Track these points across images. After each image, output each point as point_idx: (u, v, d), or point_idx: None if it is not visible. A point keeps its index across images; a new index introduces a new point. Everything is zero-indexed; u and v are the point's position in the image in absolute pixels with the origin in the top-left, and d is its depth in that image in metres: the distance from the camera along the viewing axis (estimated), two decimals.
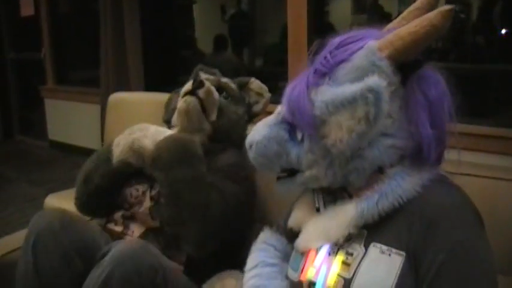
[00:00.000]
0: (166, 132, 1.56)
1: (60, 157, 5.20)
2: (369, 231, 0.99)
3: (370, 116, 0.91)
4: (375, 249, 0.96)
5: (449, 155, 1.04)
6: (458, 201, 0.95)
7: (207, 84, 1.60)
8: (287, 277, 1.15)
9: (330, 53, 1.01)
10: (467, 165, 1.27)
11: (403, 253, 0.92)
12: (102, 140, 3.81)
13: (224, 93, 1.69)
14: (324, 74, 1.00)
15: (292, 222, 1.18)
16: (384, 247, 0.95)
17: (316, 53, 1.06)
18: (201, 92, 1.58)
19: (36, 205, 3.67)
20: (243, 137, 1.57)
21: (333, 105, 0.94)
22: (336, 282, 0.97)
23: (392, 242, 0.95)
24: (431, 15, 0.90)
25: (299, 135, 1.05)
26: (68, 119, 5.22)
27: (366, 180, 1.01)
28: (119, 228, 1.55)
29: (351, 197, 1.05)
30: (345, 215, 1.00)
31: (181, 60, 4.87)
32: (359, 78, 0.94)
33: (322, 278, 1.01)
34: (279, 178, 1.12)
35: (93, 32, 4.32)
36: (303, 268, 1.07)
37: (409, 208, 0.95)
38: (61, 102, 5.25)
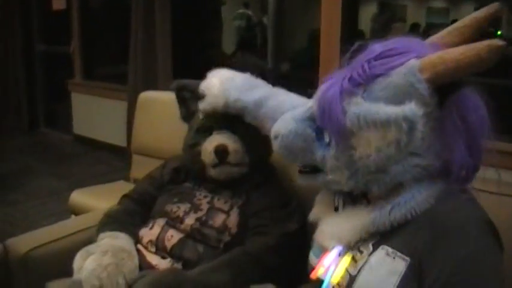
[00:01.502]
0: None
1: (84, 151, 5.23)
2: (381, 235, 1.00)
3: (401, 143, 0.91)
4: (381, 251, 0.97)
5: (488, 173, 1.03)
6: (468, 214, 0.94)
7: (230, 147, 1.51)
8: (309, 262, 1.17)
9: (369, 62, 0.99)
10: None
11: (408, 259, 0.93)
12: (128, 137, 3.83)
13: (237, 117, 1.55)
14: (359, 84, 0.98)
15: (311, 216, 1.19)
16: (390, 250, 0.96)
17: (354, 55, 1.05)
18: (229, 159, 1.52)
19: (58, 199, 3.71)
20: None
21: (365, 121, 0.93)
22: (343, 278, 1.01)
23: (399, 247, 0.95)
24: (480, 46, 0.86)
25: (326, 138, 1.05)
26: (93, 114, 5.25)
27: (385, 191, 1.01)
28: (156, 230, 1.53)
29: (369, 202, 1.05)
30: (358, 220, 1.02)
31: (209, 61, 4.88)
32: (395, 97, 0.93)
33: (329, 276, 1.04)
34: (301, 172, 1.13)
35: (123, 28, 4.35)
36: (316, 265, 1.10)
37: (420, 218, 0.95)
38: (87, 96, 5.29)
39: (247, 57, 4.95)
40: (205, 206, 1.54)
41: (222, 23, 5.55)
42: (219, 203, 1.55)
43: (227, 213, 1.51)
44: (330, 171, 1.04)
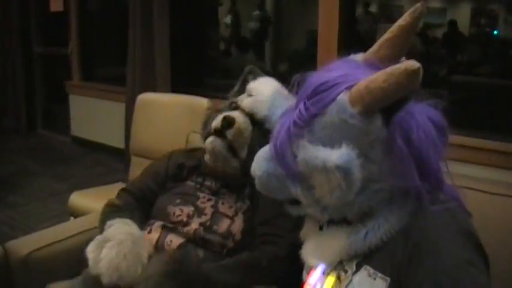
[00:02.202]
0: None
1: (82, 153, 5.23)
2: (363, 255, 1.01)
3: (343, 186, 0.91)
4: (364, 271, 0.99)
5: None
6: (442, 228, 0.93)
7: (237, 124, 1.49)
8: (302, 278, 1.18)
9: (304, 103, 0.98)
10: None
11: (388, 278, 0.94)
12: (127, 138, 3.83)
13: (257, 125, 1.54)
14: (302, 127, 0.98)
15: (301, 234, 1.19)
16: (371, 270, 0.97)
17: (299, 88, 1.05)
18: (229, 133, 1.49)
19: (58, 200, 3.71)
20: None
21: (310, 167, 0.94)
22: None
23: (379, 267, 0.96)
24: (397, 72, 0.84)
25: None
26: (91, 115, 5.25)
27: (359, 216, 1.01)
28: (154, 235, 1.52)
29: (349, 223, 1.05)
30: (338, 242, 1.03)
31: (208, 62, 4.88)
32: (333, 138, 0.93)
33: None
34: (288, 203, 1.13)
35: (121, 30, 4.35)
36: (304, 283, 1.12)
37: (396, 237, 0.96)
38: (86, 98, 5.28)
39: (244, 56, 4.96)
40: (209, 211, 1.52)
41: (219, 24, 5.56)
42: (223, 207, 1.53)
43: (232, 218, 1.51)
44: (305, 206, 1.05)
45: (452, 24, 5.40)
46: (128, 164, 2.70)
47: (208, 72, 4.76)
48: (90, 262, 1.33)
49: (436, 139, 0.95)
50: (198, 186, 1.61)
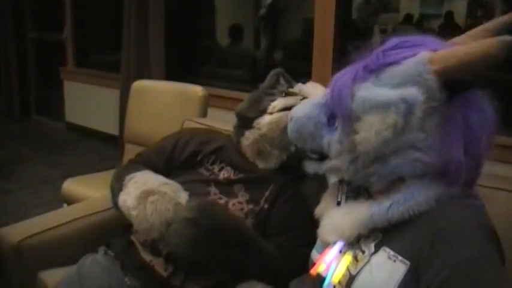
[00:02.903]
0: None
1: (76, 140, 5.22)
2: (384, 235, 0.99)
3: (398, 126, 0.91)
4: (383, 253, 0.97)
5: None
6: (468, 220, 0.93)
7: None
8: (310, 257, 1.17)
9: (383, 51, 1.00)
10: None
11: (408, 262, 0.92)
12: (121, 125, 3.83)
13: None
14: (372, 71, 0.99)
15: (317, 212, 1.18)
16: (392, 253, 0.96)
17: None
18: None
19: (51, 187, 3.70)
20: None
21: (369, 104, 0.94)
22: (344, 276, 1.00)
23: (400, 250, 0.95)
24: (490, 42, 0.86)
25: (337, 123, 1.05)
26: (86, 102, 5.23)
27: (385, 186, 1.01)
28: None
29: (370, 197, 1.05)
30: (358, 214, 1.01)
31: (202, 50, 4.86)
32: (402, 84, 0.93)
33: (331, 273, 1.03)
34: (309, 159, 1.14)
35: (116, 16, 4.32)
36: (317, 260, 1.09)
37: (421, 220, 0.95)
38: (80, 84, 5.26)
39: (238, 44, 4.93)
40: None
41: (214, 12, 5.52)
42: (233, 208, 1.43)
43: None
44: (334, 156, 1.05)
45: (449, 15, 5.38)
46: (121, 151, 2.70)
47: (203, 60, 4.74)
48: (138, 219, 1.29)
49: (491, 129, 0.96)
50: (212, 176, 1.51)
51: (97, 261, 1.41)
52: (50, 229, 1.62)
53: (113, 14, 4.65)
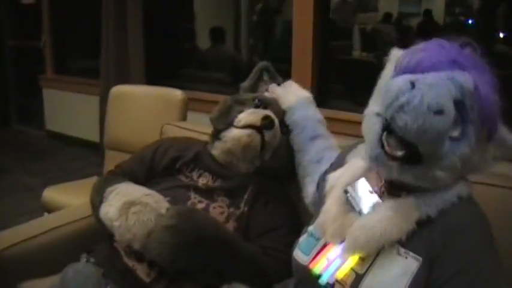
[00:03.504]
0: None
1: (57, 148, 5.16)
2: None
3: None
4: (391, 249, 0.96)
5: None
6: (479, 222, 0.97)
7: (276, 126, 1.46)
8: (293, 257, 1.14)
9: None
10: None
11: (420, 258, 0.94)
12: (101, 132, 3.79)
13: (285, 128, 1.53)
14: None
15: (331, 180, 1.16)
16: (402, 249, 0.96)
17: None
18: (267, 135, 1.45)
19: (33, 196, 3.63)
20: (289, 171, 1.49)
21: None
22: (347, 276, 0.99)
23: (411, 247, 0.95)
24: None
25: (456, 132, 0.93)
26: (66, 109, 5.18)
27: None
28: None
29: (408, 194, 1.01)
30: (409, 210, 0.97)
31: (183, 53, 4.84)
32: None
33: (332, 270, 1.01)
34: (395, 159, 0.95)
35: (94, 22, 4.28)
36: (316, 256, 1.07)
37: (436, 219, 0.96)
38: (60, 92, 5.21)
39: (219, 47, 4.91)
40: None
41: (194, 15, 5.51)
42: (214, 212, 1.44)
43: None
44: (445, 168, 0.95)
45: (427, 13, 5.41)
46: (103, 158, 2.67)
47: (183, 64, 4.72)
48: (120, 230, 1.29)
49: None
50: (192, 183, 1.51)
51: (79, 272, 1.37)
52: (29, 239, 1.59)
53: (91, 19, 4.62)
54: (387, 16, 5.23)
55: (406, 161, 0.94)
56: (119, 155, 2.23)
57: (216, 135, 1.56)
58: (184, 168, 1.56)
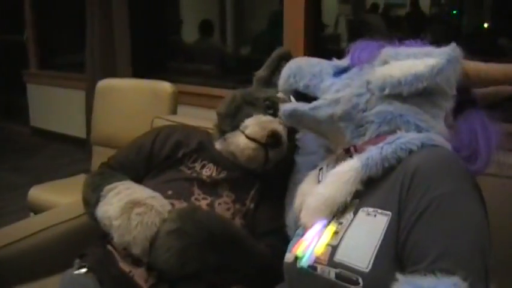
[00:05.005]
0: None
1: (42, 144, 5.09)
2: (361, 199, 0.98)
3: (435, 68, 0.98)
4: (361, 213, 0.95)
5: None
6: (445, 159, 0.94)
7: (283, 144, 1.37)
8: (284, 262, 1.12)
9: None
10: None
11: (389, 213, 0.91)
12: (88, 127, 3.73)
13: (292, 142, 1.43)
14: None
15: (296, 207, 1.16)
16: (371, 209, 0.94)
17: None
18: (272, 153, 1.36)
19: (18, 195, 3.55)
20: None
21: (405, 54, 1.05)
22: (324, 252, 0.96)
23: (379, 204, 0.94)
24: None
25: (347, 74, 1.11)
26: (51, 105, 5.12)
27: (377, 135, 1.03)
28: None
29: (351, 157, 1.03)
30: (349, 171, 0.99)
31: (170, 45, 4.78)
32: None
33: (311, 249, 0.99)
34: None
35: (78, 14, 4.21)
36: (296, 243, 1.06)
37: (398, 167, 0.95)
38: (44, 87, 5.14)
39: (207, 40, 4.85)
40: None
41: (179, 7, 5.45)
42: (220, 208, 1.37)
43: None
44: (329, 102, 1.08)
45: (414, 3, 5.41)
46: (90, 154, 2.62)
47: (170, 56, 4.66)
48: (120, 230, 1.21)
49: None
50: (195, 175, 1.43)
51: (76, 282, 1.29)
52: (16, 241, 1.52)
53: (75, 12, 4.53)
54: (374, 6, 5.23)
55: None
56: (107, 150, 2.16)
57: (220, 132, 1.48)
58: (187, 159, 1.47)
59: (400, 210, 0.90)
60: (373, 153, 0.97)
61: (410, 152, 0.95)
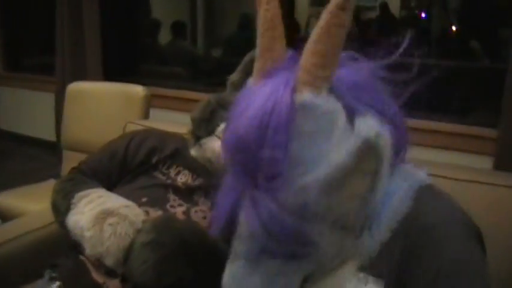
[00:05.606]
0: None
1: (10, 148, 4.97)
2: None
3: None
4: (352, 278, 0.87)
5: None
6: (446, 222, 0.84)
7: None
8: None
9: None
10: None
11: (381, 280, 0.84)
12: (57, 131, 3.67)
13: None
14: None
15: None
16: (361, 275, 0.86)
17: None
18: None
19: None
20: None
21: None
22: None
23: (371, 270, 0.86)
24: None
25: None
26: (19, 107, 5.03)
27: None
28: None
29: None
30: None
31: (141, 48, 4.74)
32: None
33: None
34: None
35: (48, 15, 4.15)
36: None
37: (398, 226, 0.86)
38: (12, 89, 5.07)
39: (179, 42, 4.83)
40: (180, 218, 1.33)
41: (150, 9, 5.41)
42: (196, 216, 1.34)
43: None
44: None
45: (383, 6, 5.47)
46: (60, 158, 2.57)
47: (143, 59, 4.62)
48: (92, 241, 1.16)
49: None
50: (170, 182, 1.40)
51: None
52: None
53: (44, 13, 4.47)
54: None
55: None
56: (78, 155, 2.12)
57: (195, 138, 1.45)
58: (161, 165, 1.44)
59: (398, 275, 0.83)
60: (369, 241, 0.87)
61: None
